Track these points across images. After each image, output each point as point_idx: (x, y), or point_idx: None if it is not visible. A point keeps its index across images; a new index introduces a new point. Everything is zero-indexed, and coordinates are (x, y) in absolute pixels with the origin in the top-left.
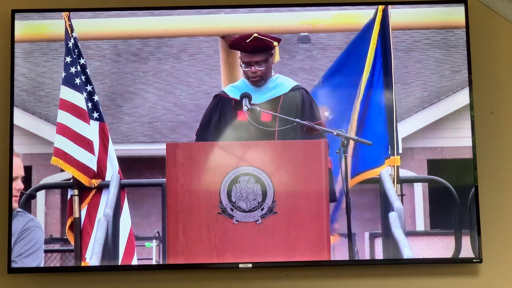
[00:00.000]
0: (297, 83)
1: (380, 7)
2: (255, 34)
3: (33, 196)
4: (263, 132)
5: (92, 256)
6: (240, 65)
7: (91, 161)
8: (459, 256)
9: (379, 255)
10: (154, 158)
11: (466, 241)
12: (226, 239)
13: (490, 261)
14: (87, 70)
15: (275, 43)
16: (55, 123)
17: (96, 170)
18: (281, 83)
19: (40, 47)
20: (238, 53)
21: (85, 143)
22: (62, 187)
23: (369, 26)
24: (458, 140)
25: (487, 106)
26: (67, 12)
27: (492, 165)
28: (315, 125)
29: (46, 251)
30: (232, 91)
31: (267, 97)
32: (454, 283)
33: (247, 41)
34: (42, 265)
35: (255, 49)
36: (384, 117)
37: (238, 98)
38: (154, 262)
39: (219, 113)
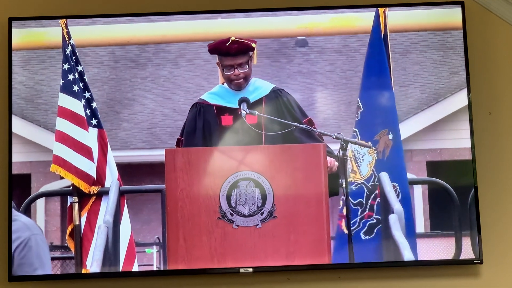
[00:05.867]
0: (275, 85)
1: (381, 9)
2: (233, 38)
3: None
4: (250, 136)
5: (93, 263)
6: (223, 70)
7: (90, 168)
8: (460, 258)
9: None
10: (153, 164)
11: (466, 242)
12: (227, 244)
13: (491, 262)
14: (85, 77)
15: (254, 45)
16: (53, 131)
17: (95, 177)
18: (260, 85)
19: (37, 54)
20: None
21: (84, 150)
22: (62, 194)
23: (377, 28)
24: (457, 142)
25: (486, 107)
26: (64, 20)
27: (491, 165)
28: (313, 128)
29: None
30: (212, 97)
31: (250, 100)
32: (455, 284)
33: (227, 44)
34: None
35: (237, 51)
36: None
37: (218, 104)
38: (155, 268)
39: (202, 120)
